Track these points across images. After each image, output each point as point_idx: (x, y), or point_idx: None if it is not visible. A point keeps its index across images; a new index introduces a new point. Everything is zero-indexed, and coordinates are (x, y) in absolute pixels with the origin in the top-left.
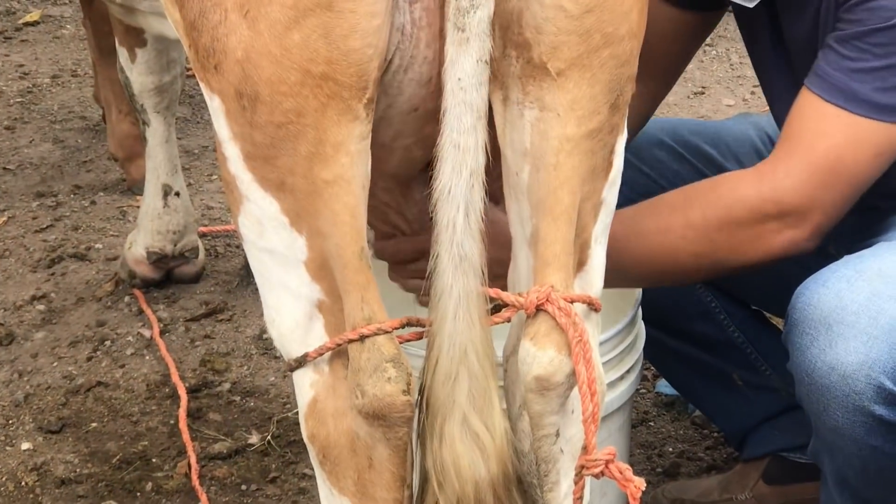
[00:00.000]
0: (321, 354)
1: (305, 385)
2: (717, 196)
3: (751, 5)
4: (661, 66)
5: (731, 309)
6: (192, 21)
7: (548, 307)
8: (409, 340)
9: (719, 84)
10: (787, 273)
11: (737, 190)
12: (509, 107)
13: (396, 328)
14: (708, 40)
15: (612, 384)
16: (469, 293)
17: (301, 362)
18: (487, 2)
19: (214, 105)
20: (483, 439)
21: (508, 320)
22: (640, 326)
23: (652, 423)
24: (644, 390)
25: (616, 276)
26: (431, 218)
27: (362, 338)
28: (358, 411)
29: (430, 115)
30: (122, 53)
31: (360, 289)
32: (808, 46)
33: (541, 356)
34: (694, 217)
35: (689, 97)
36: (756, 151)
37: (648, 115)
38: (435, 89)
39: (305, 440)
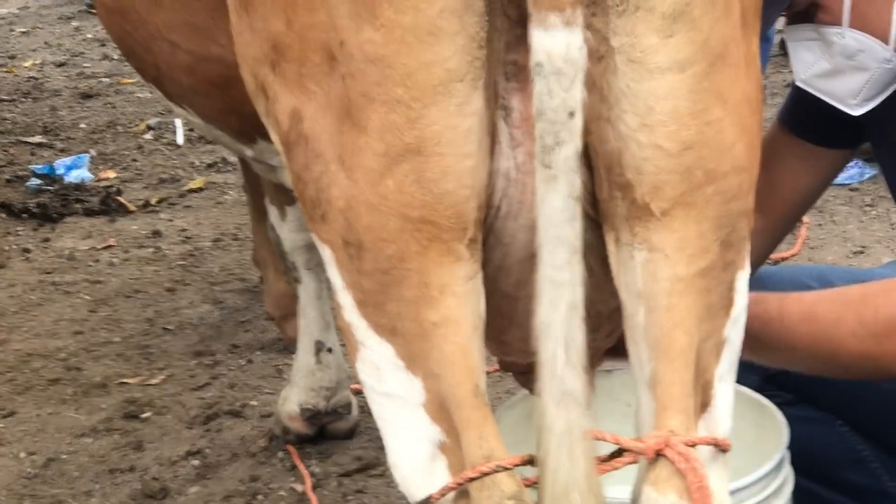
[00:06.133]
0: (444, 495)
1: None
2: (890, 299)
3: (856, 113)
4: (786, 200)
5: (884, 457)
6: (299, 173)
7: (667, 452)
8: (533, 484)
9: (879, 244)
10: None
11: None
12: (621, 248)
13: (517, 465)
14: (868, 200)
15: None
16: (571, 428)
17: None
18: (572, 138)
19: (326, 255)
20: None
21: (630, 464)
22: (788, 471)
23: None
24: None
25: (782, 355)
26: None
27: (482, 475)
28: None
29: None
30: (273, 212)
31: (477, 426)
32: None
33: (662, 501)
34: (867, 315)
35: (847, 256)
36: None
37: (770, 251)
38: None
39: None
